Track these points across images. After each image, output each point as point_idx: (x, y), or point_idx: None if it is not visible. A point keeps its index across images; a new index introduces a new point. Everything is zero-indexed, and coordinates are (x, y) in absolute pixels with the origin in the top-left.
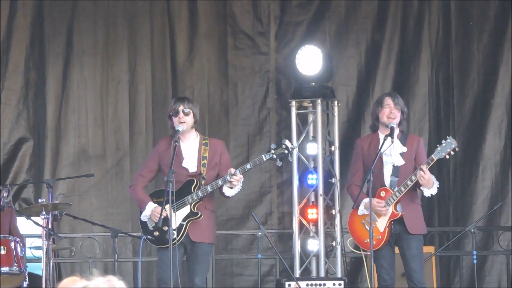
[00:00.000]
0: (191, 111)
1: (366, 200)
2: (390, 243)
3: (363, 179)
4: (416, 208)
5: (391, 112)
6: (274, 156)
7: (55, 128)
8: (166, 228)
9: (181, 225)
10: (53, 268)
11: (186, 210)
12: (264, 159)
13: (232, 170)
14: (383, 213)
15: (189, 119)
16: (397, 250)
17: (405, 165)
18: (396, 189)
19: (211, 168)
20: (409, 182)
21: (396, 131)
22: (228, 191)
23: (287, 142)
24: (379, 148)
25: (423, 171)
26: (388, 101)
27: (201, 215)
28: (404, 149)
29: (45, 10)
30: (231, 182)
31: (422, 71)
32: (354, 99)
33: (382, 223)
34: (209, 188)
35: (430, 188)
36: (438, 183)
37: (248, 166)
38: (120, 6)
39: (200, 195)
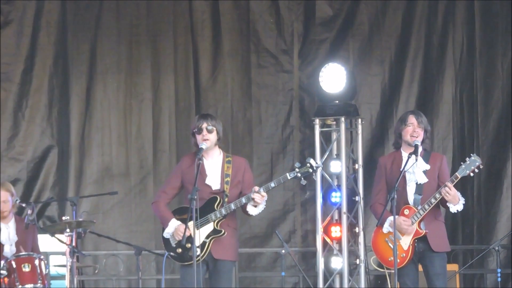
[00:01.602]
0: (214, 128)
1: (391, 218)
2: (414, 261)
3: (386, 197)
4: (440, 226)
5: (414, 131)
6: (299, 174)
7: (79, 146)
8: (189, 245)
9: (204, 242)
10: (77, 285)
11: (209, 227)
12: (289, 178)
13: (256, 188)
14: (409, 232)
15: (213, 137)
16: (420, 268)
17: (429, 183)
18: (420, 207)
19: (234, 186)
20: (433, 200)
21: (420, 149)
22: (252, 210)
23: (311, 161)
24: (403, 166)
25: (448, 187)
26: (412, 119)
27: (224, 233)
28: (428, 167)
29: (69, 28)
30: (254, 199)
31: (446, 89)
32: (378, 117)
33: (406, 241)
34: (232, 206)
35: (456, 204)
36: (464, 199)
37: (272, 185)
38: (143, 24)
39: (224, 213)
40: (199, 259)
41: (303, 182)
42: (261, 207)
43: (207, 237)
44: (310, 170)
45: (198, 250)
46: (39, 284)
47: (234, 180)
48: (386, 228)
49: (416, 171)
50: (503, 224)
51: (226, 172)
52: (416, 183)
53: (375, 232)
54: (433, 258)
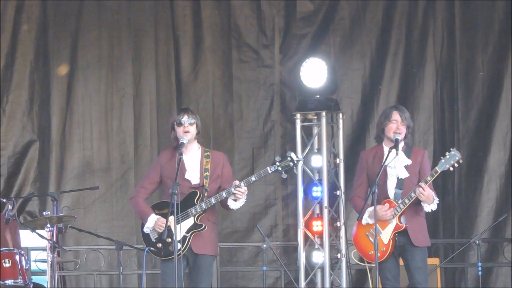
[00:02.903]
0: (195, 121)
1: (370, 208)
2: (394, 255)
3: (366, 191)
4: (421, 220)
5: (398, 128)
6: (279, 168)
7: (60, 141)
8: (170, 240)
9: (184, 237)
10: (58, 281)
11: (189, 222)
12: (269, 172)
13: (237, 182)
14: (388, 217)
15: (193, 130)
16: (402, 262)
17: (409, 177)
18: (400, 201)
19: (213, 181)
20: (413, 194)
21: (401, 144)
22: (232, 204)
23: (292, 155)
24: (384, 160)
25: (422, 188)
26: (396, 116)
27: (205, 227)
28: (409, 161)
29: (50, 24)
30: (235, 194)
31: (427, 83)
32: (359, 111)
33: (386, 235)
34: (213, 200)
35: (431, 204)
36: (438, 199)
37: (253, 179)
38: (124, 19)
39: (204, 207)
40: (180, 254)
41: (284, 176)
42: (241, 201)
43: (187, 232)
44: (291, 163)
45: (179, 244)
46: (19, 280)
47: (213, 174)
48: (365, 219)
49: (397, 165)
50: (484, 218)
51: (205, 167)
52: (397, 178)
53: (356, 227)
54: (414, 252)
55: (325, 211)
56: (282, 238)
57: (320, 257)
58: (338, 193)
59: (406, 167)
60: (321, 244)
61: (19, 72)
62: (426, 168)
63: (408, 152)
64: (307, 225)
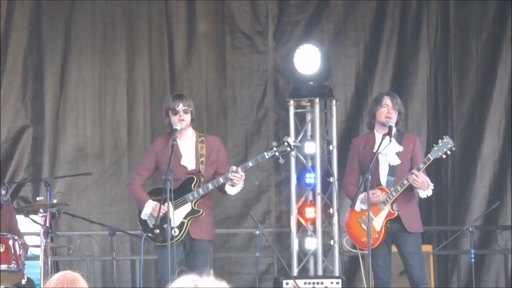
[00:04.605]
0: (189, 108)
1: (362, 195)
2: (386, 242)
3: (359, 178)
4: (413, 207)
5: (388, 112)
6: (277, 153)
7: (53, 127)
8: (167, 226)
9: (182, 223)
10: (51, 266)
11: (187, 207)
12: (267, 157)
13: (234, 168)
14: (381, 200)
15: (188, 117)
16: (395, 249)
17: (401, 164)
18: (392, 188)
19: (209, 166)
20: (405, 181)
21: (393, 130)
22: (230, 189)
23: (289, 140)
24: (377, 147)
25: (415, 174)
26: (387, 100)
27: (202, 213)
28: (400, 148)
29: (43, 9)
30: (232, 180)
31: (421, 71)
32: (352, 98)
33: (378, 222)
34: (210, 186)
35: (426, 190)
36: (433, 184)
37: (250, 164)
38: (118, 5)
39: (201, 193)
40: (178, 239)
41: (281, 161)
42: (239, 187)
43: (185, 218)
44: (288, 148)
45: (177, 230)
46: (13, 265)
47: (209, 159)
48: (358, 206)
49: (388, 152)
50: (477, 205)
51: (200, 152)
52: (389, 165)
53: (349, 213)
54: (407, 238)
55: (318, 198)
56: (275, 224)
57: (313, 243)
58: (331, 180)
59: (398, 153)
60: (314, 231)
61: (13, 58)
62: (418, 155)
63: (400, 139)
64: (300, 212)
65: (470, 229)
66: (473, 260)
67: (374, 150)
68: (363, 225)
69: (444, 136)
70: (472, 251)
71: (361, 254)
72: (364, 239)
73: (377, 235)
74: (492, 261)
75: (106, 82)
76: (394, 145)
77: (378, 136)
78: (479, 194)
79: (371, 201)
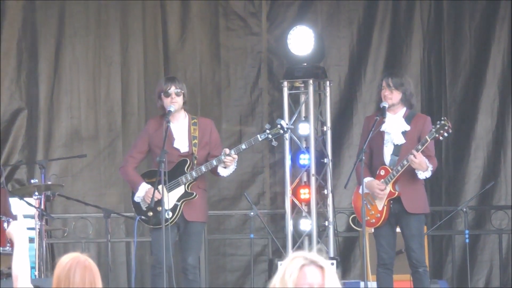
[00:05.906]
0: (182, 91)
1: (366, 179)
2: (390, 223)
3: (369, 156)
4: (417, 187)
5: (384, 93)
6: (270, 136)
7: (48, 110)
8: (160, 208)
9: (175, 205)
10: (46, 248)
11: (180, 190)
12: (260, 139)
13: (227, 150)
14: (380, 197)
15: (180, 100)
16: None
17: (406, 144)
18: (393, 168)
19: (202, 148)
20: (405, 162)
21: (403, 110)
22: (222, 171)
23: (282, 122)
24: (371, 129)
25: (414, 155)
26: (383, 82)
27: (195, 195)
28: (407, 127)
29: None
30: (225, 162)
31: (414, 51)
32: (346, 79)
33: (380, 202)
34: (203, 169)
35: (425, 171)
36: (432, 166)
37: (243, 146)
38: None
39: (195, 175)
40: (172, 222)
41: (275, 143)
42: (231, 168)
43: (178, 200)
44: (281, 131)
45: (170, 213)
46: (7, 247)
47: (202, 141)
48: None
49: (394, 131)
50: (471, 185)
51: (193, 134)
52: (394, 144)
53: (355, 192)
54: (409, 219)
55: (313, 179)
56: (270, 206)
57: (307, 225)
58: (325, 161)
59: (404, 133)
60: (309, 212)
61: (7, 41)
62: (426, 134)
63: (409, 118)
64: (295, 193)
65: (465, 209)
66: (467, 240)
67: (381, 129)
68: (368, 205)
69: (442, 118)
70: (467, 231)
71: (367, 233)
72: (368, 218)
73: (379, 215)
74: (487, 241)
75: (100, 65)
76: (401, 124)
77: (388, 115)
78: (473, 174)
79: (370, 190)
